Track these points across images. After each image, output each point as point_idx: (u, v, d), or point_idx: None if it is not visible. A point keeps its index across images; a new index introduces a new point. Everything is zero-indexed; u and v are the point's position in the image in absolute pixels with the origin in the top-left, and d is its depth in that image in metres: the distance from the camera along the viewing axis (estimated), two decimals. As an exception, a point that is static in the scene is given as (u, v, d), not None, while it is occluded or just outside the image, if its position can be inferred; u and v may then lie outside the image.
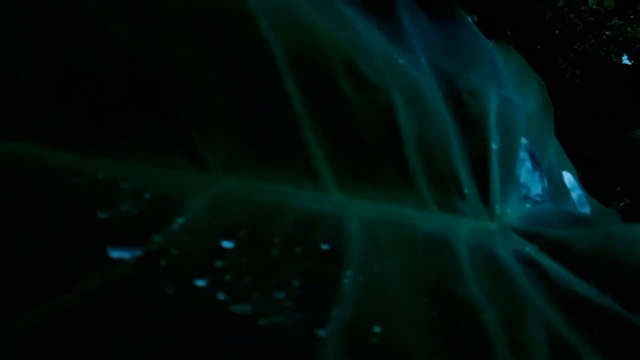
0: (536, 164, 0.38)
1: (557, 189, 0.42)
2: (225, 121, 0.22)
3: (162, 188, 0.20)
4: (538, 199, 0.34)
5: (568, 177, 0.46)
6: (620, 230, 0.29)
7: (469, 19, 0.42)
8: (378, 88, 0.26)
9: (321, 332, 0.17)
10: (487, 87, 0.32)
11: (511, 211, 0.28)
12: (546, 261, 0.24)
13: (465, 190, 0.26)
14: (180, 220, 0.19)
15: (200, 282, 0.17)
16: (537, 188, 0.35)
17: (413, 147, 0.26)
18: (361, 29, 0.28)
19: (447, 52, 0.34)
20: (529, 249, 0.25)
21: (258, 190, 0.22)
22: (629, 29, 2.67)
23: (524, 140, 0.38)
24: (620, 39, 2.76)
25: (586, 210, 0.44)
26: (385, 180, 0.25)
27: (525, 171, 0.34)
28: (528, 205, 0.30)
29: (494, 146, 0.28)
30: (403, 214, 0.24)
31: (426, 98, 0.28)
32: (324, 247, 0.21)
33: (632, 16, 2.62)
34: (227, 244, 0.19)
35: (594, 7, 2.72)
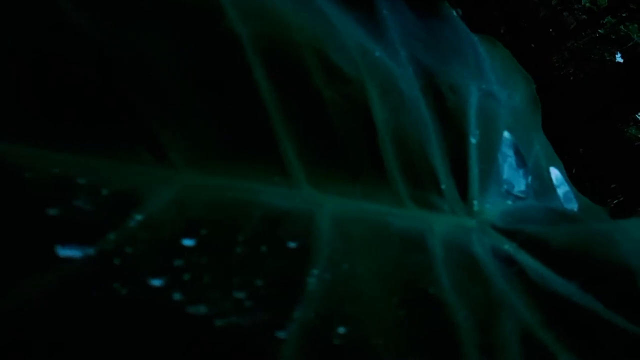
0: (521, 160, 0.38)
1: (543, 185, 0.41)
2: (190, 114, 0.22)
3: (121, 183, 0.19)
4: (521, 195, 0.34)
5: (555, 173, 0.45)
6: (604, 227, 0.28)
7: (454, 12, 0.41)
8: (352, 80, 0.25)
9: (281, 334, 0.16)
10: (467, 80, 0.31)
11: (491, 207, 0.27)
12: (525, 259, 0.24)
13: (443, 186, 0.26)
14: (139, 217, 0.18)
15: (156, 282, 0.17)
16: (520, 184, 0.34)
17: (389, 141, 0.25)
18: (336, 20, 0.27)
19: (428, 46, 0.33)
20: (507, 246, 0.24)
21: (224, 187, 0.21)
22: (621, 27, 2.67)
23: (507, 135, 0.37)
24: (614, 37, 2.76)
25: (573, 206, 0.43)
26: (360, 175, 0.24)
27: (508, 167, 0.33)
28: (509, 202, 0.30)
29: (473, 141, 0.28)
30: (377, 210, 0.23)
31: (403, 91, 0.27)
32: (292, 244, 0.20)
33: (625, 14, 2.63)
34: (188, 242, 0.18)
35: (587, 5, 2.72)
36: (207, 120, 0.22)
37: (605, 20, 2.84)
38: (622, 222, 0.32)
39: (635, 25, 2.69)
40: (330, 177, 0.24)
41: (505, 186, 0.31)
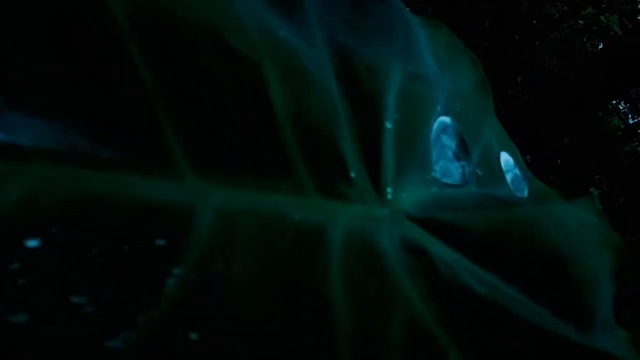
0: (461, 145, 0.36)
1: (491, 171, 0.40)
2: (53, 98, 0.19)
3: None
4: (456, 182, 0.32)
5: (505, 158, 0.43)
6: (532, 213, 0.27)
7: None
8: (248, 62, 0.23)
9: (113, 343, 0.14)
10: (390, 62, 0.29)
11: (408, 195, 0.25)
12: (437, 249, 0.22)
13: (353, 174, 0.24)
14: (-28, 216, 0.16)
15: (-23, 289, 0.15)
16: (455, 171, 0.32)
17: (290, 126, 0.23)
18: (238, -1, 0.25)
19: (353, 27, 0.31)
20: (419, 236, 0.22)
21: (90, 179, 0.19)
22: (602, 17, 2.68)
23: (447, 120, 0.36)
24: (595, 27, 2.77)
25: (523, 192, 0.41)
26: (256, 164, 0.22)
27: (440, 152, 0.31)
28: (435, 189, 0.28)
29: (389, 126, 0.26)
30: (274, 201, 0.21)
31: (311, 73, 0.25)
32: (160, 242, 0.18)
33: (605, 5, 2.63)
34: (32, 243, 0.16)
35: (568, -5, 2.73)
36: (75, 106, 0.20)
37: (586, 11, 2.84)
38: (558, 205, 0.30)
39: (615, 16, 2.70)
40: (221, 167, 0.22)
41: (432, 173, 0.29)
